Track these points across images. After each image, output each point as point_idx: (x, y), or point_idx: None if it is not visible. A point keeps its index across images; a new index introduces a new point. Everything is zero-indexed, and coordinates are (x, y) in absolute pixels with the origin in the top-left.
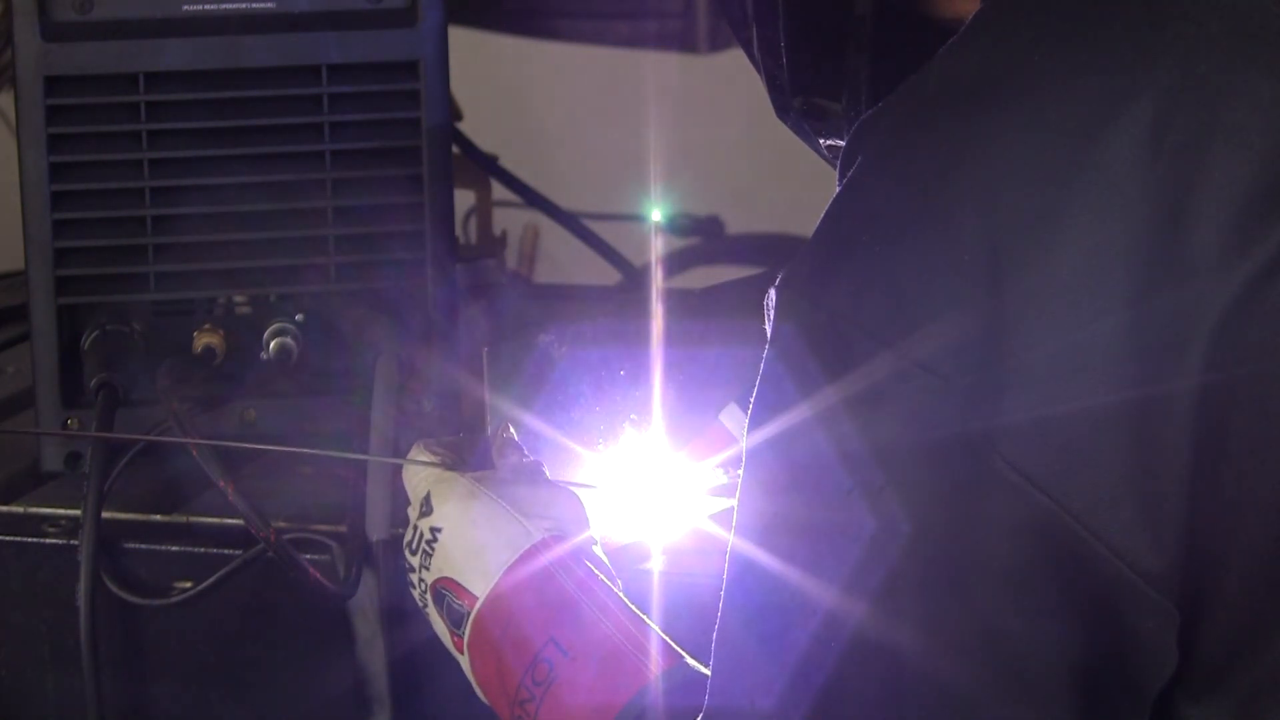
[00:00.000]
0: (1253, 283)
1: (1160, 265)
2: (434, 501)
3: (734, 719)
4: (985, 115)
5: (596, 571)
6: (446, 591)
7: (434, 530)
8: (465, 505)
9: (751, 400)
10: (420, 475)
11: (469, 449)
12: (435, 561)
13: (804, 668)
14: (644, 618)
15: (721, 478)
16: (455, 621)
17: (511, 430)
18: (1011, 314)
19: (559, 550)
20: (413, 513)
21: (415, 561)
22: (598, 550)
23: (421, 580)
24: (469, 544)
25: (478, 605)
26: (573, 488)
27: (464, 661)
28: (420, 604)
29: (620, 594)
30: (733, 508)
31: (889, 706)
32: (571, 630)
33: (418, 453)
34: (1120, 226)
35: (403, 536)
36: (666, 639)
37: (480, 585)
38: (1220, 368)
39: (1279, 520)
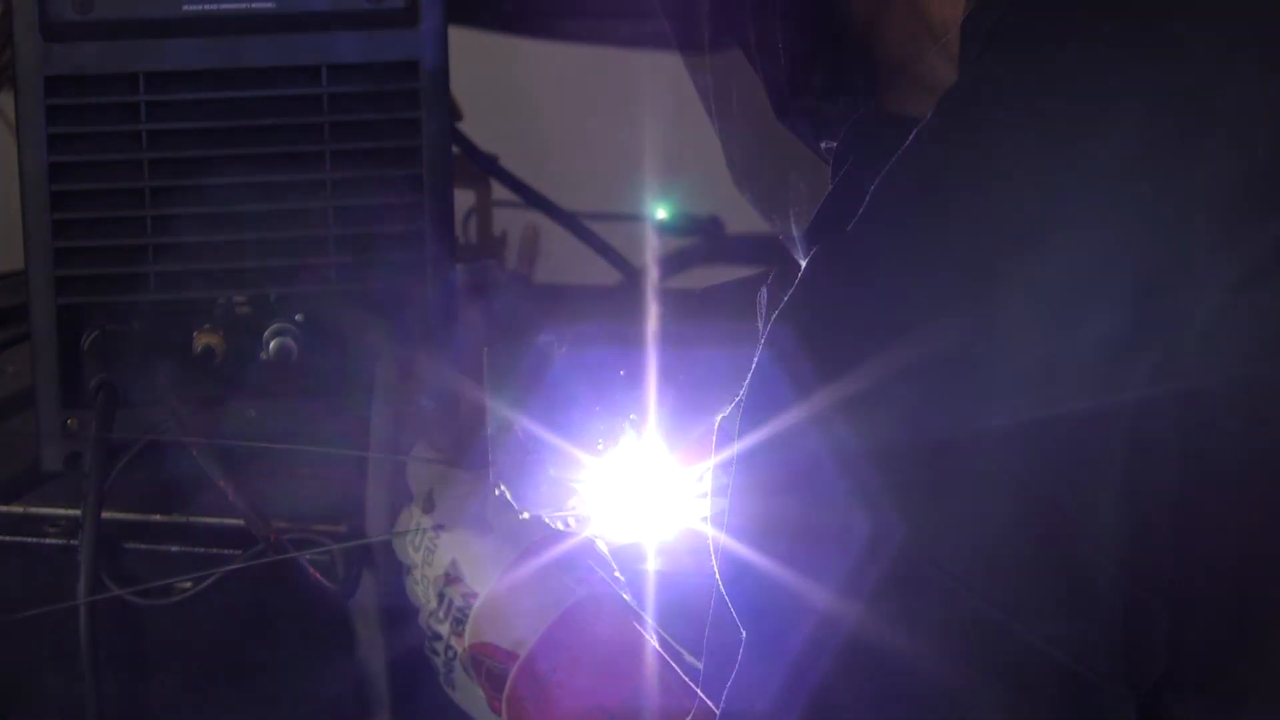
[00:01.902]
0: (1239, 286)
1: (1145, 269)
2: (462, 567)
3: None
4: (978, 119)
5: (646, 633)
6: (484, 656)
7: (466, 596)
8: (499, 569)
9: (743, 401)
10: (440, 544)
11: (466, 507)
12: (470, 628)
13: (799, 670)
14: (678, 669)
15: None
16: (495, 685)
17: (505, 490)
18: (999, 318)
19: (599, 605)
20: (434, 583)
21: (444, 630)
22: (601, 546)
23: (450, 648)
24: (509, 605)
25: (519, 661)
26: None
27: None
28: (444, 670)
29: (655, 644)
30: (723, 508)
31: (884, 708)
32: (613, 687)
33: (411, 518)
34: (1107, 231)
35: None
36: (709, 704)
37: (523, 643)
38: (1206, 372)
39: (1264, 525)
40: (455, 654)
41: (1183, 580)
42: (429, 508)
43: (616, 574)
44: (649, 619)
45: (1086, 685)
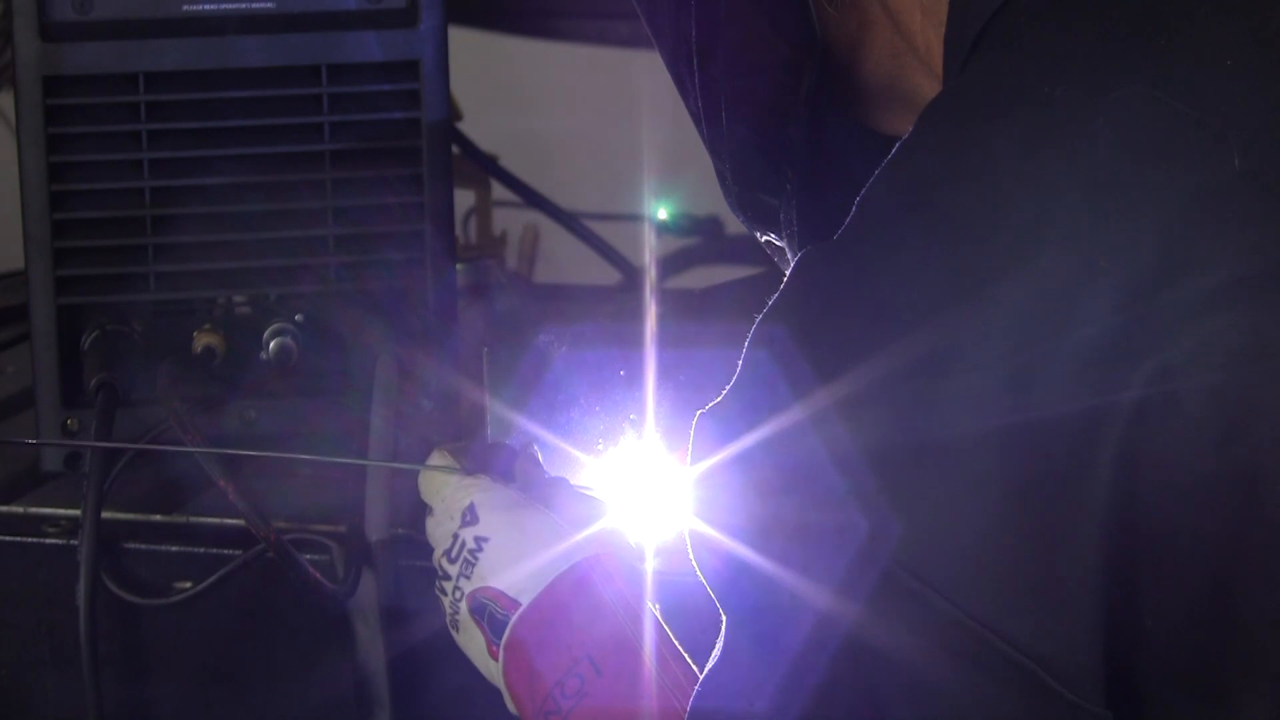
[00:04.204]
0: (1222, 294)
1: (1134, 275)
2: (480, 512)
3: None
4: (963, 127)
5: (650, 605)
6: (489, 601)
7: (479, 540)
8: (515, 515)
9: (735, 400)
10: (460, 486)
11: (494, 457)
12: (478, 570)
13: (797, 670)
14: (681, 651)
15: None
16: (496, 630)
17: (535, 449)
18: (988, 321)
19: (608, 567)
20: (450, 523)
21: (454, 570)
22: (644, 566)
23: (457, 589)
24: (519, 553)
25: (521, 610)
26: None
27: (496, 669)
28: (450, 611)
29: (660, 618)
30: (715, 506)
31: (883, 708)
32: (609, 649)
33: (438, 459)
34: (1094, 237)
35: (402, 537)
36: (698, 673)
37: (526, 592)
38: (1190, 379)
39: (1239, 536)
40: (462, 595)
41: (1164, 590)
42: (470, 521)
43: (632, 542)
44: (653, 605)
45: (1063, 701)
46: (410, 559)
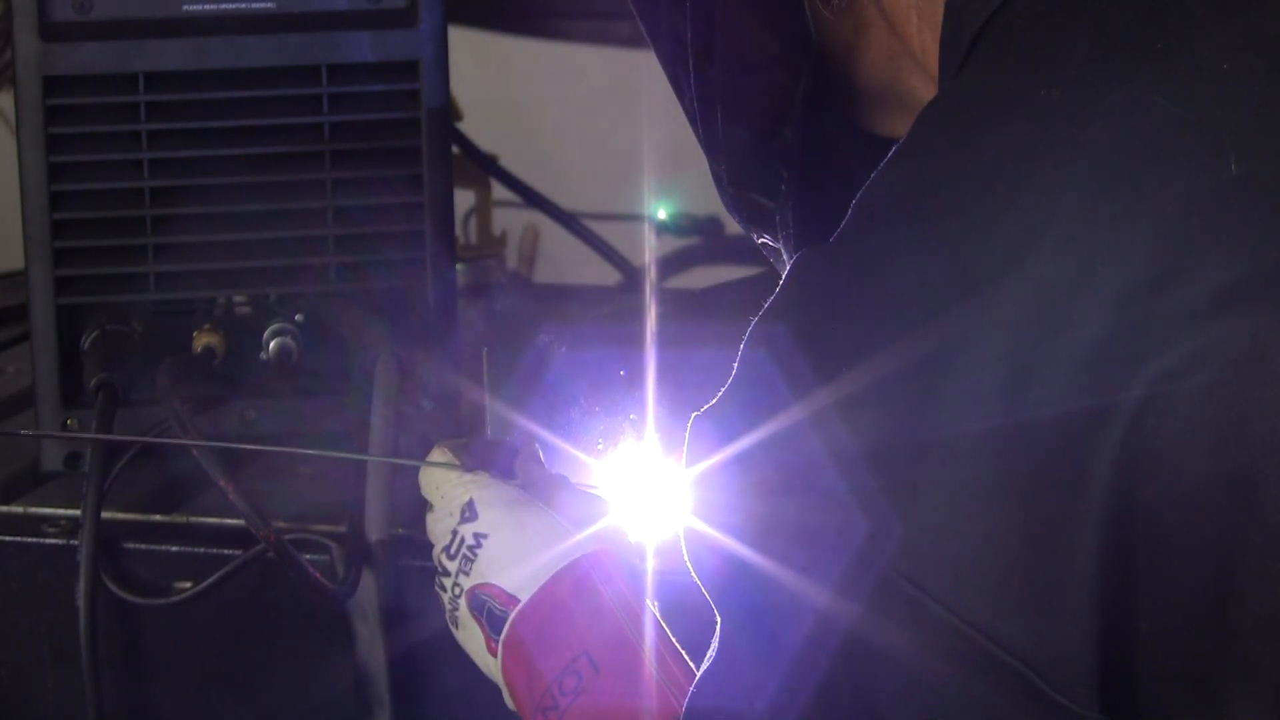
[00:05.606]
0: (1217, 298)
1: (1129, 277)
2: (479, 508)
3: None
4: (959, 130)
5: (649, 603)
6: (487, 597)
7: (478, 536)
8: (514, 512)
9: (734, 400)
10: (460, 482)
11: (495, 454)
12: (477, 566)
13: (797, 669)
14: (681, 651)
15: None
16: (495, 627)
17: (536, 447)
18: (985, 322)
19: (608, 565)
20: (449, 520)
21: (453, 566)
22: (645, 565)
23: (457, 585)
24: (518, 550)
25: (520, 606)
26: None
27: (494, 666)
28: (449, 607)
29: (658, 616)
30: (713, 506)
31: (879, 711)
32: (607, 647)
33: (439, 455)
34: (1090, 239)
35: (402, 537)
36: (695, 671)
37: (525, 589)
38: (1184, 381)
39: (1233, 544)
40: (461, 591)
41: (1159, 595)
42: (469, 517)
43: (632, 541)
44: (652, 604)
45: (1058, 706)
46: (410, 558)
